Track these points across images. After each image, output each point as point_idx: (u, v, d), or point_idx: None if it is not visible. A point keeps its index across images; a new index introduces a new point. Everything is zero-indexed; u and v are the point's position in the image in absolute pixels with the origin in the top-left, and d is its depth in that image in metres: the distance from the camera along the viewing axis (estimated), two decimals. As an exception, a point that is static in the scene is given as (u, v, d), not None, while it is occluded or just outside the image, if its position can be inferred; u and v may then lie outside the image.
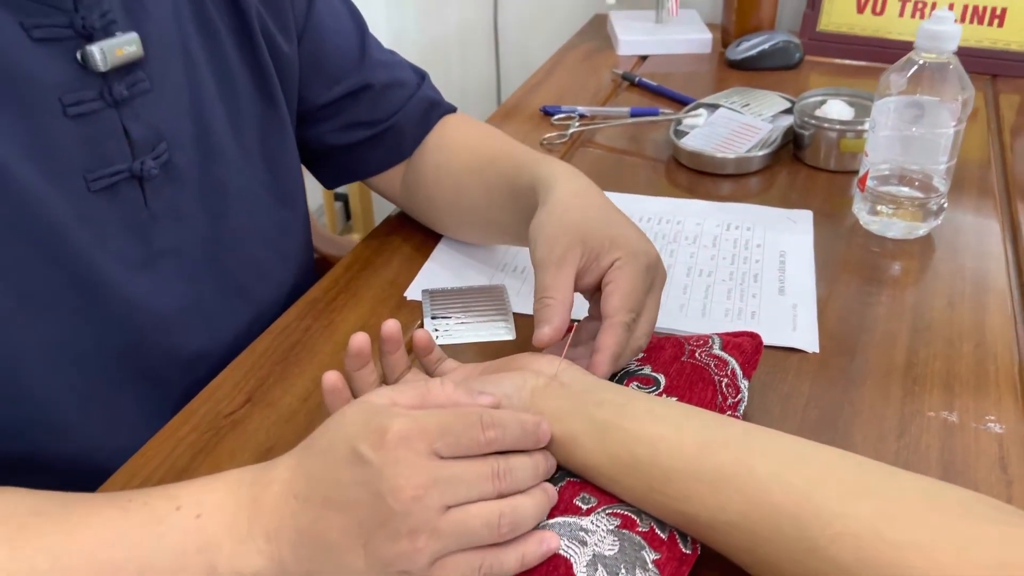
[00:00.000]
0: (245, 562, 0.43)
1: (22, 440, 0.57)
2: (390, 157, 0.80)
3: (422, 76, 0.82)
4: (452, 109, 0.82)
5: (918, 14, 1.17)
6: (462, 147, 0.78)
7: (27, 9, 0.54)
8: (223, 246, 0.67)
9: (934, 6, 1.17)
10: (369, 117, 0.78)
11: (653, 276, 0.58)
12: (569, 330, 0.56)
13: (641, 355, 0.60)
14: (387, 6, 1.62)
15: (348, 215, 1.70)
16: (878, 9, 1.19)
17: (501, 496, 0.44)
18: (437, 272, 0.77)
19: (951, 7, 1.16)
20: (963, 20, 1.16)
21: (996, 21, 1.15)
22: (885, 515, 0.43)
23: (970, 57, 1.13)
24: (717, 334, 0.61)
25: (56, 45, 0.55)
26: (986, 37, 1.16)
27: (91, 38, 0.56)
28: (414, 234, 0.83)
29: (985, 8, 1.15)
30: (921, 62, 0.75)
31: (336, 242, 1.03)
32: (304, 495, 0.43)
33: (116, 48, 0.57)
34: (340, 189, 1.67)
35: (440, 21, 1.61)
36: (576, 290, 0.58)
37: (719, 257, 0.78)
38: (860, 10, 1.21)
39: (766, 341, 0.65)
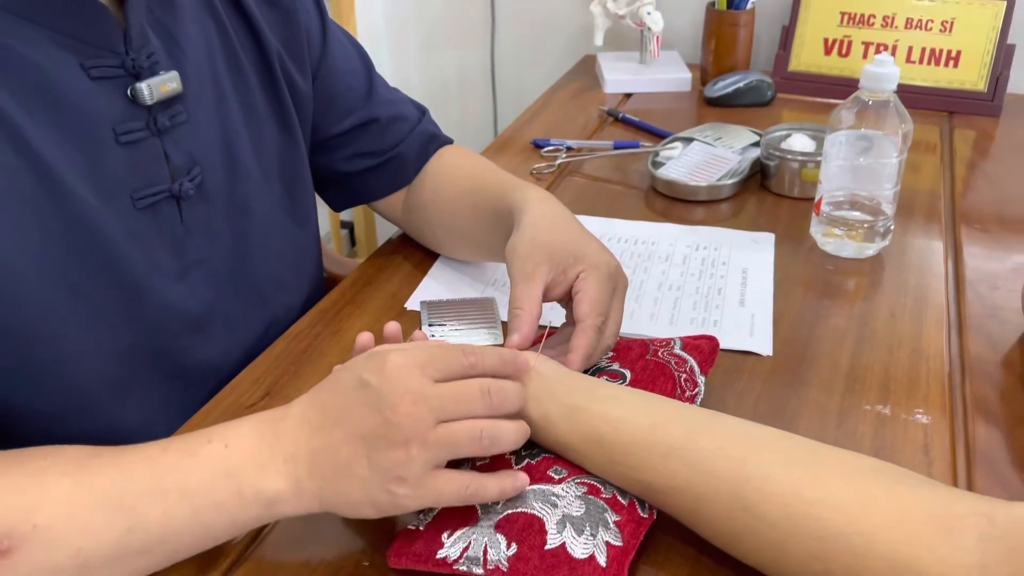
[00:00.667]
0: (267, 483, 0.51)
1: (69, 423, 0.65)
2: (393, 183, 0.89)
3: (422, 111, 0.91)
4: (449, 141, 0.92)
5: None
6: (456, 175, 0.87)
7: (86, 52, 0.63)
8: (246, 259, 0.76)
9: (895, 48, 1.27)
10: (375, 147, 0.87)
11: (615, 283, 0.67)
12: (540, 338, 0.65)
13: (611, 354, 0.68)
14: (391, 48, 1.73)
15: (353, 242, 1.79)
16: (844, 51, 1.29)
17: (494, 414, 0.52)
18: (434, 287, 0.86)
19: (910, 50, 1.26)
20: (921, 62, 1.26)
21: (952, 63, 1.25)
22: (807, 478, 0.51)
23: (928, 96, 1.24)
24: (679, 337, 0.70)
25: (110, 83, 0.64)
26: (943, 77, 1.25)
27: (139, 76, 0.65)
28: (413, 253, 0.92)
29: (941, 51, 1.25)
30: (866, 100, 0.84)
31: (343, 263, 1.12)
32: (317, 422, 0.52)
33: (160, 85, 0.66)
34: (346, 217, 1.76)
35: (441, 61, 1.71)
36: (548, 300, 0.67)
37: (687, 274, 0.87)
38: (827, 52, 1.31)
39: (725, 345, 0.74)
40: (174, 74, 0.68)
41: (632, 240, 0.93)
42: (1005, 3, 1.23)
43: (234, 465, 0.52)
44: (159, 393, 0.70)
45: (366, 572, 0.55)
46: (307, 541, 0.58)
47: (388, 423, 0.50)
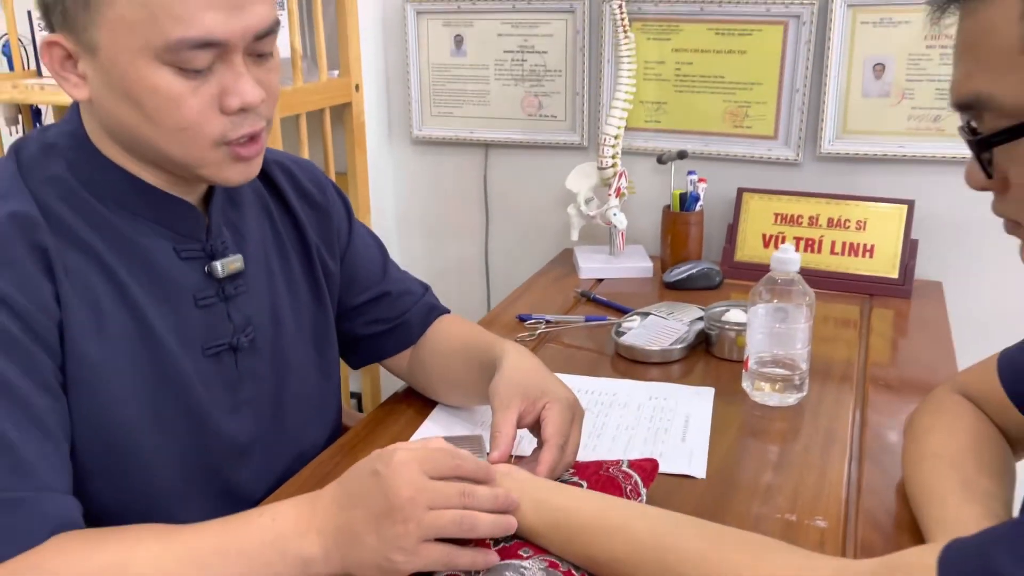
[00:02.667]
0: (304, 549, 0.68)
1: (140, 521, 0.82)
2: (401, 344, 1.10)
3: (426, 288, 1.14)
4: (447, 311, 1.14)
5: (809, 249, 1.52)
6: (451, 337, 1.08)
7: (178, 240, 0.85)
8: (283, 401, 0.95)
9: (820, 243, 1.52)
10: (386, 315, 1.09)
11: (574, 412, 0.86)
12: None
13: (571, 470, 0.86)
14: (400, 240, 2.00)
15: (360, 410, 1.98)
16: (779, 245, 1.53)
17: (470, 508, 0.69)
18: (433, 427, 1.05)
19: (833, 243, 1.51)
20: (843, 254, 1.51)
21: (868, 254, 1.50)
22: (712, 548, 0.68)
23: (850, 281, 1.48)
24: (626, 459, 0.88)
25: (194, 262, 0.86)
26: (861, 267, 1.50)
27: (214, 257, 0.87)
28: (415, 402, 1.11)
29: (859, 244, 1.50)
30: (777, 279, 1.07)
31: (355, 416, 1.30)
32: (342, 502, 0.69)
33: (229, 264, 0.88)
34: (355, 388, 1.96)
35: (443, 252, 1.98)
36: (521, 427, 0.86)
37: (641, 418, 1.06)
38: (766, 245, 1.56)
39: (667, 469, 0.92)
40: (239, 256, 0.90)
41: (597, 392, 1.13)
42: (907, 207, 1.49)
43: (280, 534, 0.69)
44: (209, 505, 0.87)
45: (376, 631, 0.71)
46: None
47: (392, 505, 0.67)
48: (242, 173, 0.82)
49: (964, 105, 0.61)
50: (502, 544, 0.75)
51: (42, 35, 1.59)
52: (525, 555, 0.74)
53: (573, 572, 0.72)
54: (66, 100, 1.53)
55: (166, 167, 0.82)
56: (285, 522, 0.70)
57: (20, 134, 1.79)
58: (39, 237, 0.75)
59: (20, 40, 1.76)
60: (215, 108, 0.77)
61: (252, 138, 0.80)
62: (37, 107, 1.82)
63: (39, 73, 1.74)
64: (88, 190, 0.81)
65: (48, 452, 0.70)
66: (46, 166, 0.80)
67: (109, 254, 0.80)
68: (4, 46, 1.83)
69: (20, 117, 1.77)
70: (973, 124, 0.62)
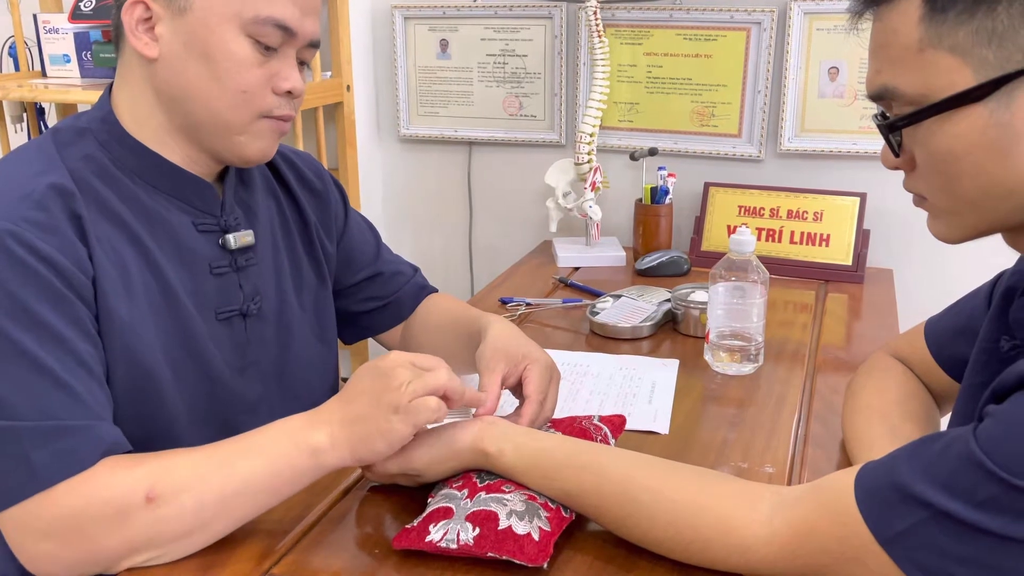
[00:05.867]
0: (313, 438, 0.80)
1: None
2: (393, 320, 1.20)
3: (415, 269, 1.24)
4: (435, 290, 1.24)
5: (770, 238, 1.64)
6: (440, 312, 1.18)
7: (196, 214, 0.95)
8: (285, 364, 1.05)
9: (780, 233, 1.64)
10: (380, 293, 1.19)
11: (552, 373, 0.97)
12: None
13: (548, 424, 0.96)
14: (387, 232, 2.09)
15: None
16: (742, 235, 1.66)
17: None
18: (422, 394, 1.14)
19: (792, 233, 1.63)
20: (801, 243, 1.62)
21: (824, 243, 1.61)
22: (666, 478, 0.79)
23: (807, 268, 1.59)
24: (597, 414, 0.99)
25: (209, 234, 0.96)
26: (818, 255, 1.61)
27: (227, 231, 0.97)
28: (407, 373, 1.21)
29: (816, 234, 1.62)
30: (734, 259, 1.18)
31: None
32: (343, 399, 0.82)
33: (241, 237, 0.98)
34: (345, 373, 2.05)
35: (429, 243, 2.08)
36: (505, 387, 0.96)
37: (611, 385, 1.16)
38: (730, 235, 1.67)
39: (634, 425, 1.02)
40: (250, 232, 0.99)
41: (572, 364, 1.23)
42: (859, 199, 1.61)
43: (291, 429, 0.82)
44: (223, 456, 0.97)
45: (377, 556, 0.81)
46: (335, 540, 0.84)
47: (384, 373, 0.81)
48: (265, 149, 0.94)
49: (876, 96, 0.72)
50: (487, 482, 0.85)
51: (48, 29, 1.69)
52: (507, 490, 0.84)
53: (549, 504, 0.83)
54: (67, 99, 1.63)
55: (200, 136, 0.91)
56: (295, 422, 0.83)
57: (25, 131, 1.88)
58: (75, 206, 0.84)
59: (26, 42, 1.84)
60: (268, 86, 0.91)
61: (284, 119, 0.93)
62: (41, 105, 1.91)
63: (44, 73, 1.83)
64: (117, 167, 0.90)
65: (94, 389, 0.80)
66: (81, 146, 0.89)
67: (136, 224, 0.90)
68: (11, 48, 1.92)
69: (25, 115, 1.86)
70: (886, 113, 0.74)
